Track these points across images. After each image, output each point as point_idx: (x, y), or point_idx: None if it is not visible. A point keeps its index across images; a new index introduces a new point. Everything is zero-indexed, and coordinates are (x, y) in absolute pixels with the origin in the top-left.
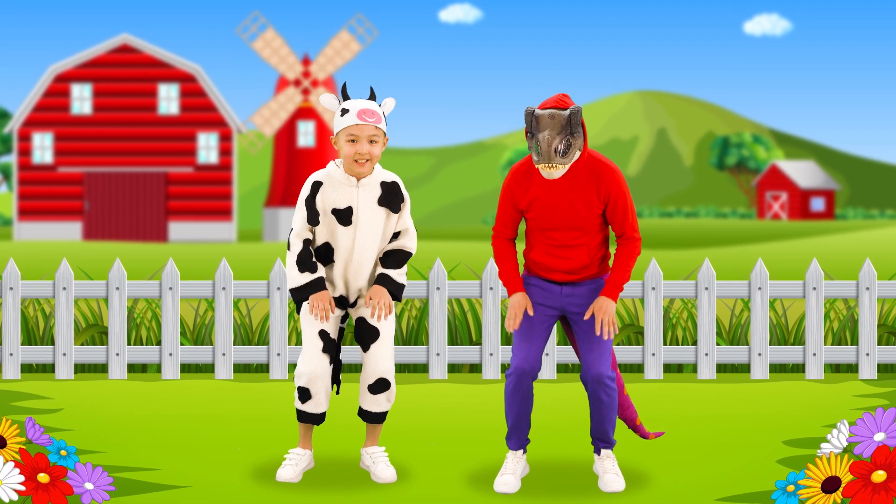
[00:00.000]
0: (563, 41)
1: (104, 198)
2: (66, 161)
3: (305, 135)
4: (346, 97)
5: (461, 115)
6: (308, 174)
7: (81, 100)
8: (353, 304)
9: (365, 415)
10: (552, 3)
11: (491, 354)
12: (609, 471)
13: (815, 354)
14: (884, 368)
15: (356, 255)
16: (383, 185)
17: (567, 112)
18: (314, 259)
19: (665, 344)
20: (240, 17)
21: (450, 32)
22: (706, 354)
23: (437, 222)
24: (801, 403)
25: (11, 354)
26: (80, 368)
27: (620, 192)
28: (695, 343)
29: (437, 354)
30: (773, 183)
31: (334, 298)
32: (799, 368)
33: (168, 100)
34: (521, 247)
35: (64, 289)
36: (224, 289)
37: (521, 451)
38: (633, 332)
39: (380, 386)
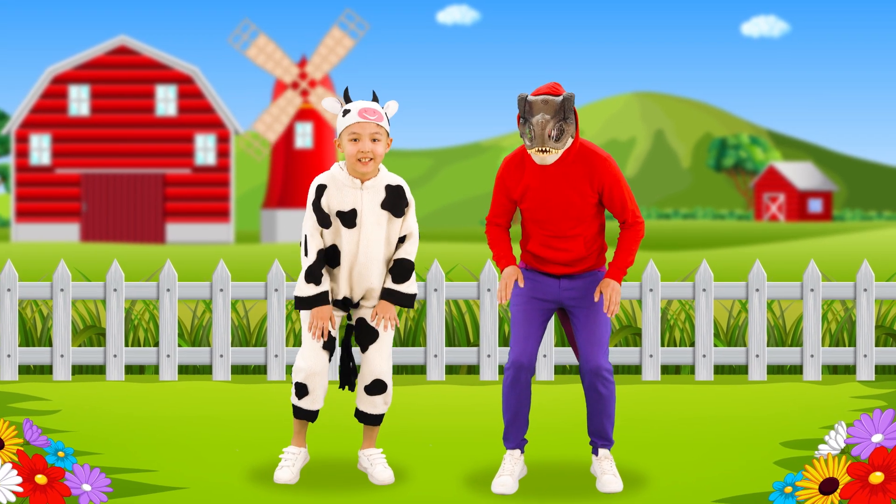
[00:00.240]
0: (561, 43)
1: (102, 199)
2: (64, 162)
3: (303, 136)
4: (347, 101)
5: (459, 116)
6: (306, 175)
7: (79, 101)
8: (357, 305)
9: (362, 416)
10: (550, 5)
11: (489, 356)
12: (607, 471)
13: (812, 356)
14: (881, 370)
15: (361, 257)
16: (388, 188)
17: (560, 98)
18: (323, 269)
19: (663, 345)
20: (237, 18)
21: (447, 34)
22: (704, 356)
23: (435, 224)
24: (798, 405)
25: (9, 356)
26: (78, 370)
27: (614, 179)
28: (692, 344)
29: (435, 356)
30: (771, 184)
31: (338, 301)
32: (797, 370)
33: (166, 101)
34: (516, 246)
35: (62, 290)
36: (222, 290)
37: (519, 451)
38: (630, 334)
39: (376, 387)
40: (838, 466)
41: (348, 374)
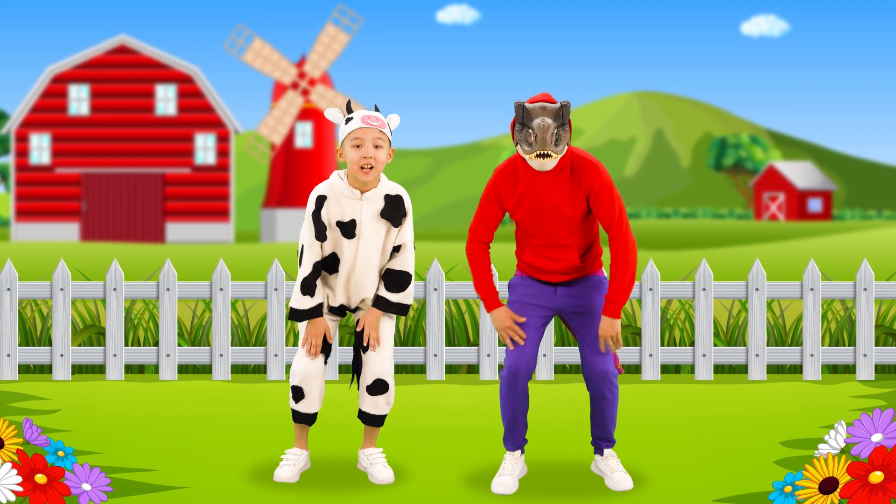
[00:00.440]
0: (561, 42)
1: (102, 199)
2: (64, 162)
3: (303, 135)
4: (350, 112)
5: (458, 115)
6: (306, 175)
7: (79, 101)
8: (355, 310)
9: (364, 417)
10: (549, 5)
11: (488, 355)
12: (616, 469)
13: (812, 355)
14: (881, 369)
15: (359, 267)
16: (387, 197)
17: (558, 105)
18: (318, 281)
19: (663, 345)
20: (237, 17)
21: (447, 33)
22: (703, 355)
23: (435, 223)
24: (798, 404)
25: (9, 355)
26: (78, 369)
27: (602, 183)
28: (692, 344)
29: (435, 355)
30: (771, 184)
31: (334, 308)
32: (796, 369)
33: (165, 101)
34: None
35: (61, 290)
36: (221, 290)
37: (519, 451)
38: (630, 333)
39: (378, 387)
40: (838, 466)
41: (360, 372)
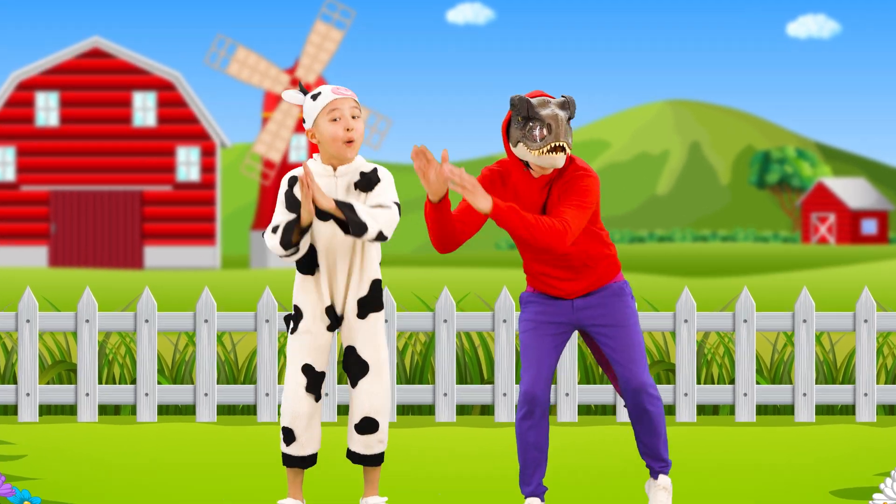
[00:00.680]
0: (584, 44)
1: (73, 219)
2: (31, 178)
3: (298, 149)
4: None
5: (469, 126)
6: None
7: (47, 110)
8: (341, 321)
9: (355, 457)
10: (570, 3)
11: (504, 394)
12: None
13: (866, 394)
14: None
15: (339, 250)
16: (362, 174)
17: (561, 98)
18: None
19: (699, 383)
20: (223, 17)
21: (458, 34)
22: (745, 394)
23: None
24: (850, 449)
25: None
26: (46, 410)
27: (580, 177)
28: (732, 382)
29: (445, 394)
30: (820, 203)
31: (328, 307)
32: (848, 410)
33: (144, 110)
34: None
35: (28, 321)
36: (206, 321)
37: (538, 500)
38: (663, 370)
39: (367, 426)
40: None
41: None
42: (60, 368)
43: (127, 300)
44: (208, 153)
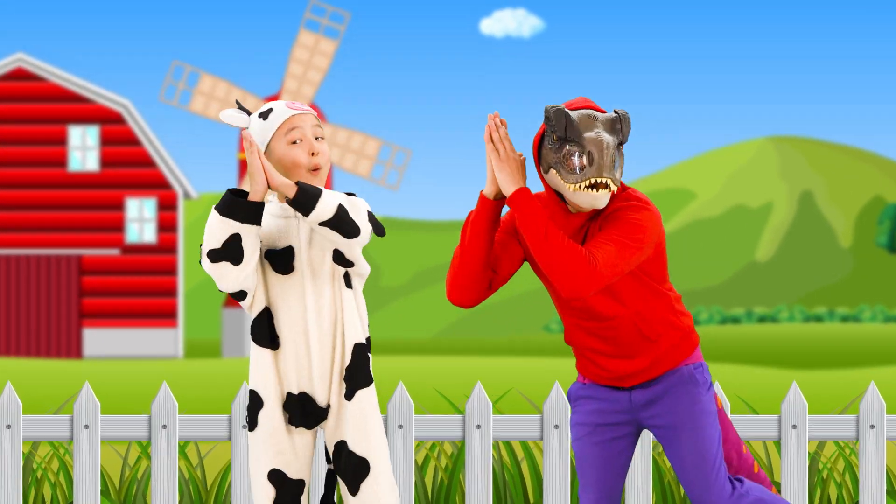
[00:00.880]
0: (659, 65)
1: None
2: None
3: None
4: (247, 112)
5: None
6: None
7: None
8: (326, 414)
9: None
10: (642, 11)
11: None
12: None
13: None
14: None
15: (311, 315)
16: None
17: (612, 115)
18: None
19: None
20: (189, 26)
21: (494, 50)
22: None
23: (478, 329)
24: None
25: None
26: None
27: (632, 211)
28: None
29: None
30: None
31: (295, 396)
32: None
33: (83, 150)
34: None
35: None
36: (165, 427)
37: None
38: None
39: None
40: None
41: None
42: None
43: (61, 399)
44: (167, 206)
